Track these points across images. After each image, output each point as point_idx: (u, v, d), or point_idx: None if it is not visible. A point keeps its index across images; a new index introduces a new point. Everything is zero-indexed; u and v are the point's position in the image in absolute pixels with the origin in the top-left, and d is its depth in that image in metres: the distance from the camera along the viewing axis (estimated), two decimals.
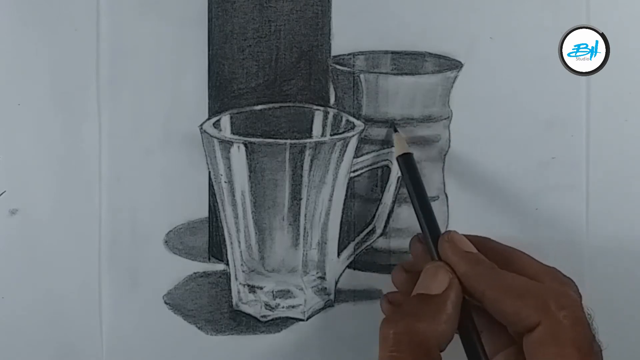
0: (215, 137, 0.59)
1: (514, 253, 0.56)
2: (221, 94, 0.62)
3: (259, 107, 0.61)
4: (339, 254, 0.62)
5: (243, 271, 0.62)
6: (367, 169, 0.62)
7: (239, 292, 0.62)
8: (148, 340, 0.62)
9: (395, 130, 0.61)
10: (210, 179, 0.61)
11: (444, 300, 0.52)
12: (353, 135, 0.60)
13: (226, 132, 0.61)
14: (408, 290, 0.55)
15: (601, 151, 0.63)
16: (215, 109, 0.62)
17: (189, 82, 0.62)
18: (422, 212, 0.57)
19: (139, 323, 0.62)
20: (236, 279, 0.62)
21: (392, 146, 0.61)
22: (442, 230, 0.57)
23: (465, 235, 0.55)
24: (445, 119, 0.62)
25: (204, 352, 0.62)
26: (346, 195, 0.62)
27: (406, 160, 0.59)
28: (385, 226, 0.62)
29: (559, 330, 0.50)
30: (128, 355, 0.62)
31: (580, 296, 0.53)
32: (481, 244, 0.56)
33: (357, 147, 0.61)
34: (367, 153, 0.61)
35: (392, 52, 0.62)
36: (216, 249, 0.63)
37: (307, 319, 0.62)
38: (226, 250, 0.62)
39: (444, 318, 0.51)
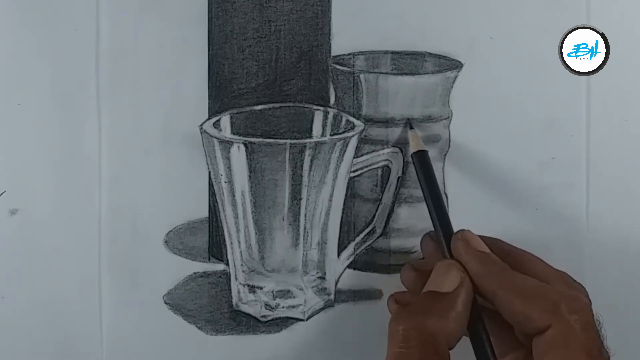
0: (215, 137, 0.59)
1: (525, 255, 0.56)
2: (221, 94, 0.62)
3: (259, 107, 0.61)
4: (339, 254, 0.62)
5: (243, 271, 0.62)
6: (367, 169, 0.62)
7: (239, 292, 0.62)
8: (148, 340, 0.62)
9: (411, 128, 0.61)
10: (210, 179, 0.61)
11: (455, 298, 0.52)
12: (353, 135, 0.60)
13: (226, 132, 0.61)
14: (417, 289, 0.55)
15: (601, 151, 0.63)
16: (215, 109, 0.62)
17: (189, 82, 0.62)
18: (436, 210, 0.57)
19: (139, 323, 0.62)
20: (236, 279, 0.62)
21: (393, 145, 0.61)
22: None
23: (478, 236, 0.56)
24: (445, 119, 0.62)
25: (204, 352, 0.62)
26: (346, 195, 0.62)
27: (421, 158, 0.59)
28: (385, 226, 0.62)
29: (569, 334, 0.50)
30: (128, 355, 0.62)
31: (591, 302, 0.53)
32: (493, 244, 0.56)
33: (357, 147, 0.61)
34: (367, 153, 0.61)
35: (392, 52, 0.62)
36: (216, 249, 0.63)
37: (307, 319, 0.62)
38: (226, 250, 0.62)
39: (454, 316, 0.51)
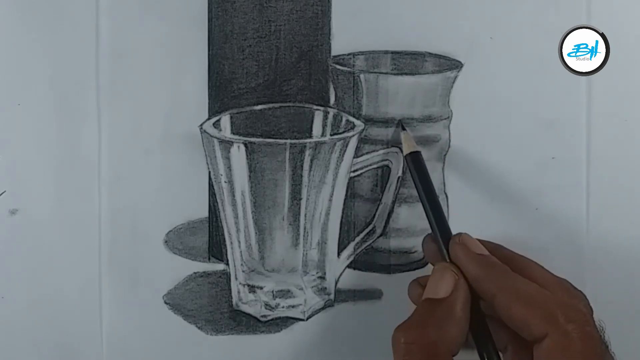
0: (215, 137, 0.59)
1: (526, 262, 0.55)
2: (221, 94, 0.62)
3: (259, 107, 0.61)
4: (339, 254, 0.62)
5: (243, 271, 0.62)
6: (367, 169, 0.62)
7: (239, 292, 0.62)
8: (148, 340, 0.62)
9: (403, 129, 0.61)
10: (210, 179, 0.61)
11: (452, 303, 0.52)
12: (353, 135, 0.60)
13: (226, 132, 0.61)
14: None
15: (601, 151, 0.63)
16: (215, 109, 0.62)
17: (189, 82, 0.62)
18: (432, 212, 0.57)
19: (139, 323, 0.62)
20: (236, 278, 0.62)
21: (393, 145, 0.61)
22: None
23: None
24: (445, 119, 0.62)
25: (204, 352, 0.62)
26: (346, 195, 0.62)
27: (414, 159, 0.59)
28: (385, 226, 0.62)
29: (567, 344, 0.49)
30: (128, 355, 0.62)
31: (591, 309, 0.53)
32: (493, 249, 0.55)
33: (357, 147, 0.61)
34: (367, 153, 0.61)
35: (392, 52, 0.62)
36: (216, 249, 0.63)
37: (307, 319, 0.62)
38: (226, 250, 0.62)
39: (453, 323, 0.51)
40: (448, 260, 0.55)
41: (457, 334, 0.51)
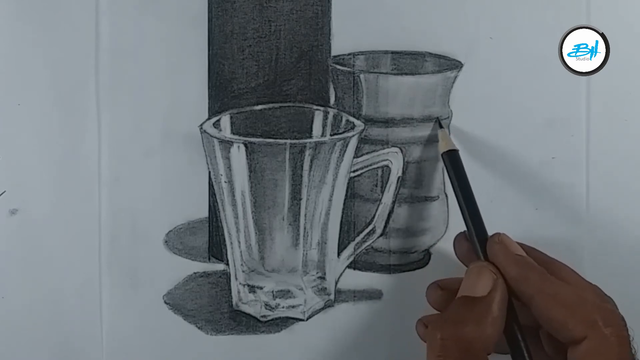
0: (215, 137, 0.59)
1: (559, 265, 0.56)
2: (221, 94, 0.62)
3: (259, 107, 0.61)
4: (339, 254, 0.62)
5: (243, 271, 0.62)
6: (367, 169, 0.62)
7: (239, 292, 0.62)
8: (148, 340, 0.62)
9: (441, 127, 0.61)
10: (210, 179, 0.61)
11: (489, 302, 0.52)
12: (353, 135, 0.60)
13: (226, 132, 0.61)
14: (443, 308, 0.55)
15: (601, 151, 0.63)
16: (215, 109, 0.62)
17: (189, 82, 0.61)
18: (469, 211, 0.57)
19: (139, 323, 0.62)
20: (236, 279, 0.62)
21: (392, 145, 0.61)
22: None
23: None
24: (445, 119, 0.62)
25: (204, 352, 0.62)
26: (346, 195, 0.62)
27: (452, 157, 0.59)
28: (385, 226, 0.62)
29: (605, 347, 0.50)
30: (128, 355, 0.62)
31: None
32: (527, 251, 0.56)
33: (357, 147, 0.61)
34: (367, 153, 0.61)
35: (392, 52, 0.62)
36: (216, 249, 0.63)
37: (307, 319, 0.62)
38: (226, 250, 0.62)
39: (490, 321, 0.51)
40: (483, 259, 0.55)
41: (494, 333, 0.51)
